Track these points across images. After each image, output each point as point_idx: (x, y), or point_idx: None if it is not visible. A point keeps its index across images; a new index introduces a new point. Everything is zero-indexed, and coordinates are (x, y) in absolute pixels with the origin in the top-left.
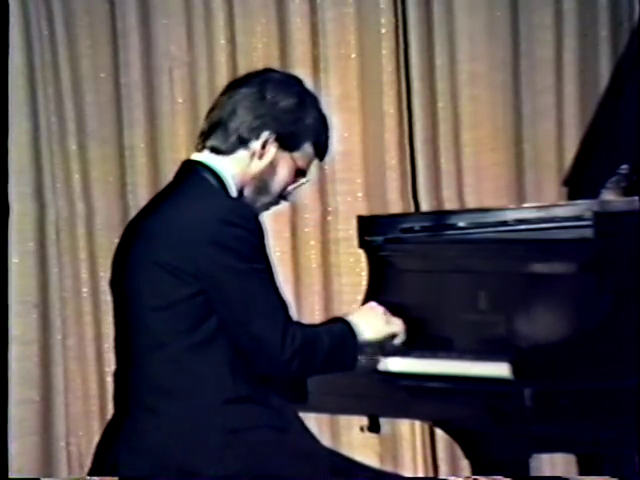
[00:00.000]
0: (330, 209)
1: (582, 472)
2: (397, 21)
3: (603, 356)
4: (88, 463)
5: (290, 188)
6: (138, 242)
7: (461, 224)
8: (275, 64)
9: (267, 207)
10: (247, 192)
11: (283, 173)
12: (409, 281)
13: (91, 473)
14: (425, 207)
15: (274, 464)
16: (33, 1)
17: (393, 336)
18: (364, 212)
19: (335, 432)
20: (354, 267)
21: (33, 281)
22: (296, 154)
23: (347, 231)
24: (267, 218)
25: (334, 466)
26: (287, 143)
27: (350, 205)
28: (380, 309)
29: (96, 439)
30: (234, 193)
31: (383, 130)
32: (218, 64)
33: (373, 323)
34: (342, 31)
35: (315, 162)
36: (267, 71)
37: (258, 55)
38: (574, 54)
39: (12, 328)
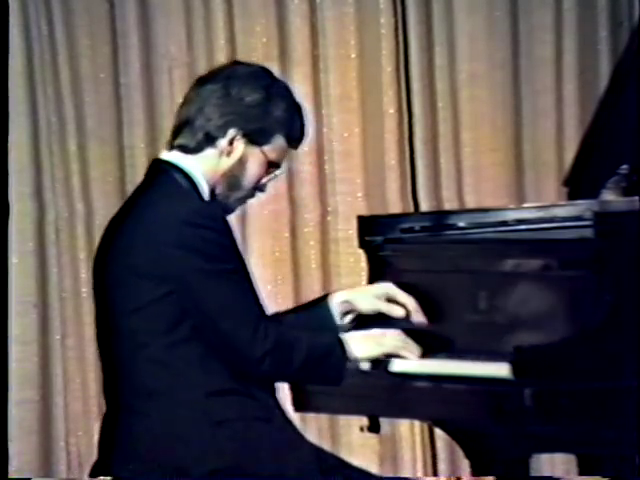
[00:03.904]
0: (330, 209)
1: (582, 472)
2: (397, 21)
3: (603, 356)
4: (87, 463)
5: (264, 180)
6: (113, 246)
7: (461, 224)
8: (275, 64)
9: (243, 201)
10: (219, 189)
11: (253, 168)
12: (409, 281)
13: (92, 474)
14: (425, 207)
15: (260, 455)
16: (33, 1)
17: (390, 355)
18: (364, 212)
19: (335, 432)
20: (354, 267)
21: (33, 281)
22: (266, 148)
23: (347, 231)
24: (267, 218)
25: (319, 457)
26: (255, 138)
27: (350, 205)
28: (374, 331)
29: (95, 439)
30: (206, 191)
31: (383, 130)
32: (218, 64)
33: (365, 342)
34: (342, 31)
35: (315, 162)
36: (233, 64)
37: (258, 55)
38: (574, 54)
39: (12, 328)
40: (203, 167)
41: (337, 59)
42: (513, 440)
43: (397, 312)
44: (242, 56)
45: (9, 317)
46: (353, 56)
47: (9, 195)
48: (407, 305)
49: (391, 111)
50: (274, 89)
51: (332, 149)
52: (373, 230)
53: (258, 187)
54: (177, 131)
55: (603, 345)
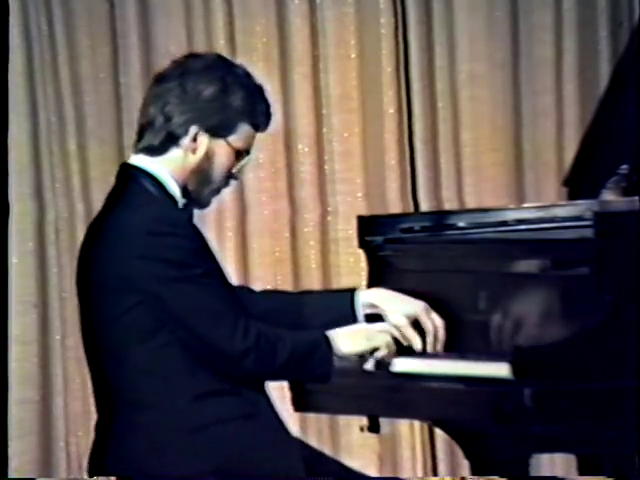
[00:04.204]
0: (330, 209)
1: (582, 472)
2: (397, 21)
3: (603, 356)
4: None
5: (235, 169)
6: (89, 258)
7: (461, 224)
8: (275, 64)
9: (217, 192)
10: (190, 186)
11: (221, 160)
12: (409, 281)
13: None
14: (425, 207)
15: (248, 454)
16: (33, 1)
17: (375, 349)
18: (364, 212)
19: (335, 432)
20: (354, 267)
21: (33, 281)
22: (231, 138)
23: (347, 231)
24: (267, 218)
25: (310, 457)
26: (218, 131)
27: (350, 205)
28: (362, 325)
29: None
30: (177, 193)
31: (383, 130)
32: None
33: (352, 337)
34: (342, 31)
35: (315, 162)
36: (187, 58)
37: (258, 55)
38: (574, 54)
39: (12, 328)
40: (170, 168)
41: (337, 59)
42: (513, 440)
43: (417, 346)
44: (242, 56)
45: (9, 317)
46: (353, 56)
47: (9, 195)
48: (428, 335)
49: (391, 111)
50: (230, 78)
51: (332, 149)
52: (373, 230)
53: (231, 176)
54: (141, 133)
55: (603, 345)
